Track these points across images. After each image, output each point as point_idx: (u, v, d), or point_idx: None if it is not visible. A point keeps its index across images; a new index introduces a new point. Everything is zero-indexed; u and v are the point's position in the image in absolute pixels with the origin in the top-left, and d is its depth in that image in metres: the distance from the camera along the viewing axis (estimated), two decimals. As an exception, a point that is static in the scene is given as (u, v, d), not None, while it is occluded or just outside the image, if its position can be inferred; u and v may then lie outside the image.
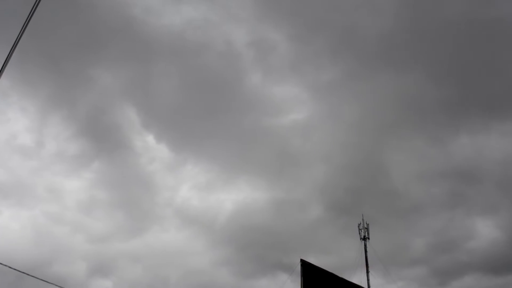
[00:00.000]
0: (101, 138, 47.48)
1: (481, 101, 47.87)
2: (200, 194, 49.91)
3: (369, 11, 48.05)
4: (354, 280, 22.87)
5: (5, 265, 13.92)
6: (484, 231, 44.75)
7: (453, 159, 46.28)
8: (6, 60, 7.90)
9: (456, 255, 42.27)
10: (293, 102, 52.13)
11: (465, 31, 46.38)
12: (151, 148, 49.13)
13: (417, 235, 44.21)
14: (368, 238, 29.07)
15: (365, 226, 29.60)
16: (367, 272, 27.38)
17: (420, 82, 48.33)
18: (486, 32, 45.62)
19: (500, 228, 43.45)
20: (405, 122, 49.09)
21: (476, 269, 40.98)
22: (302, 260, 18.68)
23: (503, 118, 46.68)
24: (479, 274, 40.29)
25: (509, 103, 46.58)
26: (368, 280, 27.05)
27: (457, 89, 48.02)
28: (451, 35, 47.39)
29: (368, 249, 28.60)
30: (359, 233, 29.42)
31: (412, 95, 48.52)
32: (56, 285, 15.14)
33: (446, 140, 47.80)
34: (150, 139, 49.94)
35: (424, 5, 47.35)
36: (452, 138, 47.45)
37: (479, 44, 46.20)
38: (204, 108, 49.82)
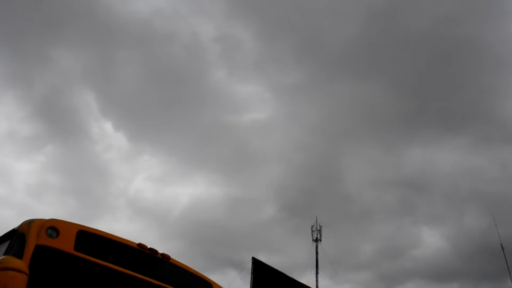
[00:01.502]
0: (56, 121, 45.92)
1: (436, 115, 49.89)
2: (155, 186, 49.21)
3: (337, 18, 49.02)
4: (303, 280, 23.09)
5: None
6: (430, 240, 46.70)
7: (405, 169, 47.98)
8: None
9: (402, 262, 43.84)
10: (255, 101, 52.39)
11: (427, 47, 48.13)
12: (108, 136, 47.99)
13: (366, 240, 45.51)
14: (320, 240, 29.42)
15: (318, 228, 29.92)
16: (317, 273, 27.67)
17: (379, 92, 49.76)
18: (447, 49, 47.56)
19: (445, 238, 45.46)
20: (362, 129, 50.39)
21: (420, 277, 42.68)
22: (253, 258, 18.66)
23: (455, 133, 48.86)
24: (423, 282, 41.96)
25: (462, 119, 48.77)
26: (317, 281, 27.37)
27: (414, 101, 49.79)
28: (413, 50, 49.03)
29: (319, 251, 28.97)
30: (312, 235, 29.72)
31: (371, 103, 49.89)
32: None
33: (400, 150, 49.50)
34: (108, 126, 48.81)
35: (390, 19, 48.73)
36: (406, 149, 49.18)
37: (439, 60, 48.09)
38: (166, 99, 49.14)
